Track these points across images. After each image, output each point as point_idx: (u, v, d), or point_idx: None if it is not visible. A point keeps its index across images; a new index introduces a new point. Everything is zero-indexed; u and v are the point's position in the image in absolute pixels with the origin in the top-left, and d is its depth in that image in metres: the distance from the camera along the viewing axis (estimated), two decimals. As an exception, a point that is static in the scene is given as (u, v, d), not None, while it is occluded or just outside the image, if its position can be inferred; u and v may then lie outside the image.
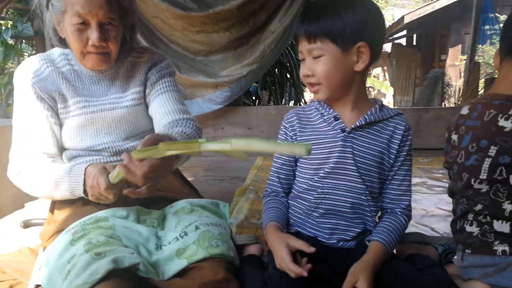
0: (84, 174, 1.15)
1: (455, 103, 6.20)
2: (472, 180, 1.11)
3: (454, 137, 1.19)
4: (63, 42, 1.28)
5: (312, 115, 1.20)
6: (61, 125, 1.32)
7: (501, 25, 8.06)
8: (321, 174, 1.14)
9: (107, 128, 1.32)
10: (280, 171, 1.24)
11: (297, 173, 1.23)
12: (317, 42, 1.06)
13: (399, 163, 1.16)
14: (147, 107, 1.39)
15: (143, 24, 3.65)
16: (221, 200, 2.52)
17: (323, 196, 1.14)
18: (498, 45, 1.15)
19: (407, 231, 1.88)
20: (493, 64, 1.17)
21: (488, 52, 7.55)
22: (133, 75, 1.36)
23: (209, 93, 3.71)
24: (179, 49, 3.71)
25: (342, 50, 1.06)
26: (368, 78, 11.41)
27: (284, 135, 1.23)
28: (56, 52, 1.33)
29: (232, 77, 3.67)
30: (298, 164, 1.21)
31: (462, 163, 1.14)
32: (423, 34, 11.56)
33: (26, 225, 1.54)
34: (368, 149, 1.13)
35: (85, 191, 1.15)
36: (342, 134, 1.12)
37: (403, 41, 12.67)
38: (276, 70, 5.42)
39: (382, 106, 1.17)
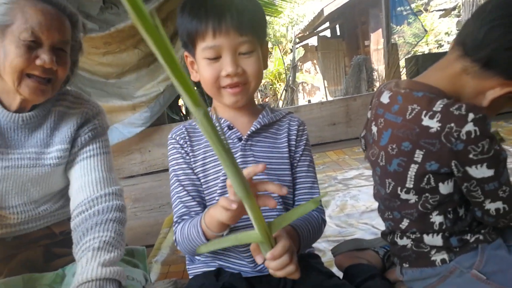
0: None
1: (381, 87, 6.36)
2: (399, 188, 0.95)
3: (374, 129, 1.04)
4: None
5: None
6: None
7: (412, 5, 8.43)
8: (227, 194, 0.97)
9: (19, 188, 1.12)
10: (185, 184, 1.01)
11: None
12: (249, 35, 0.91)
13: (298, 159, 1.05)
14: (68, 164, 1.20)
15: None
16: (149, 234, 2.32)
17: None
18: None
19: (347, 237, 1.80)
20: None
21: (406, 32, 7.82)
22: (60, 128, 1.16)
23: (128, 117, 3.44)
24: (86, 74, 3.40)
25: (260, 47, 0.96)
26: (299, 73, 11.54)
27: (178, 154, 1.03)
28: None
29: (149, 95, 3.42)
30: (204, 187, 1.02)
31: (384, 166, 0.98)
32: (344, 23, 11.85)
33: None
34: (270, 153, 1.01)
35: None
36: (240, 143, 1.00)
37: (327, 33, 12.94)
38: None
39: (271, 108, 1.09)
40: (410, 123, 0.90)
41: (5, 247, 1.18)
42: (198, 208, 0.99)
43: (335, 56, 11.88)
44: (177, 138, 1.04)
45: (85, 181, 1.15)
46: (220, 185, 0.99)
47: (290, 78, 8.47)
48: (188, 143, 1.03)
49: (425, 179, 0.90)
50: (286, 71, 8.80)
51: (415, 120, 0.89)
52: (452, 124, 0.82)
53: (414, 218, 0.95)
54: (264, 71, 1.02)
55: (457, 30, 7.56)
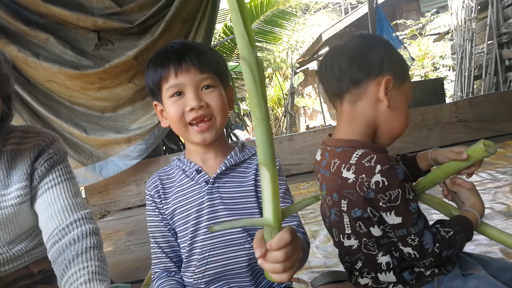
0: None
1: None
2: (341, 236, 1.00)
3: (318, 184, 1.10)
4: None
5: (174, 174, 1.08)
6: None
7: (407, 30, 8.57)
8: (199, 238, 1.01)
9: None
10: (159, 241, 1.07)
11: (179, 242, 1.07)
12: (209, 73, 0.98)
13: None
14: (32, 199, 1.19)
15: (37, 90, 3.41)
16: (139, 268, 2.33)
17: (205, 261, 1.00)
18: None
19: (331, 268, 1.81)
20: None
21: (404, 55, 7.95)
22: (16, 166, 1.16)
23: (123, 149, 3.51)
24: (82, 109, 3.50)
25: (223, 87, 1.02)
26: (300, 98, 11.64)
27: (151, 207, 1.07)
28: None
29: (143, 128, 3.49)
30: (176, 231, 1.06)
31: (329, 217, 1.04)
32: (343, 48, 12.00)
33: None
34: (237, 193, 1.03)
35: None
36: (207, 187, 1.01)
37: (327, 58, 13.08)
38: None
39: (243, 146, 1.09)
40: (334, 176, 0.97)
41: None
42: (171, 264, 1.05)
43: (335, 80, 11.98)
44: (150, 189, 1.08)
45: (52, 212, 1.13)
46: (191, 229, 1.02)
47: (289, 104, 8.57)
48: (160, 191, 1.06)
49: (357, 225, 0.95)
50: (284, 97, 8.90)
51: (337, 172, 0.96)
52: (363, 175, 0.89)
53: (364, 259, 0.99)
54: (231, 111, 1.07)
55: (451, 53, 7.66)
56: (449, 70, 7.96)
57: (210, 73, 0.98)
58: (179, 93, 0.98)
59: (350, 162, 0.93)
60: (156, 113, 1.09)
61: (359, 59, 0.97)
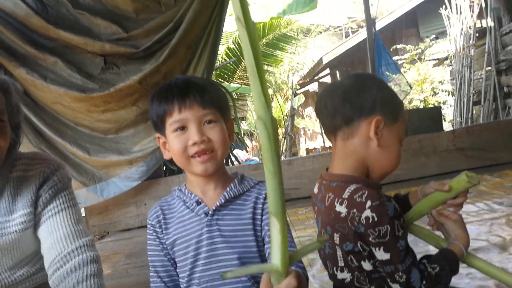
0: None
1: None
2: (334, 268, 1.04)
3: (315, 216, 1.14)
4: None
5: (175, 205, 1.12)
6: None
7: (395, 57, 8.69)
8: (197, 269, 1.05)
9: None
10: (159, 270, 1.10)
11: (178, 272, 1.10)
12: (211, 108, 1.03)
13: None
14: (36, 225, 1.22)
15: (44, 112, 3.48)
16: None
17: None
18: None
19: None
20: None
21: (402, 80, 8.03)
22: (21, 193, 1.19)
23: (125, 171, 3.55)
24: (86, 130, 3.55)
25: (224, 121, 1.06)
26: (300, 119, 11.73)
27: (154, 235, 1.11)
28: None
29: (145, 151, 3.54)
30: (176, 261, 1.10)
31: (323, 249, 1.07)
32: (344, 70, 12.14)
33: None
34: (236, 226, 1.06)
35: None
36: (206, 219, 1.05)
37: (328, 79, 13.23)
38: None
39: (242, 178, 1.13)
40: (328, 209, 1.01)
41: None
42: None
43: (335, 102, 12.05)
44: (151, 218, 1.12)
45: (54, 239, 1.16)
46: (190, 260, 1.05)
47: (289, 126, 8.64)
48: (162, 221, 1.10)
49: (349, 258, 0.99)
50: (284, 119, 8.98)
51: (331, 206, 1.00)
52: (355, 210, 0.93)
53: None
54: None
55: (451, 79, 7.76)
56: (449, 95, 8.03)
57: (212, 109, 1.03)
58: (182, 128, 1.03)
59: (343, 196, 0.97)
60: (159, 145, 1.14)
61: (352, 99, 1.02)
